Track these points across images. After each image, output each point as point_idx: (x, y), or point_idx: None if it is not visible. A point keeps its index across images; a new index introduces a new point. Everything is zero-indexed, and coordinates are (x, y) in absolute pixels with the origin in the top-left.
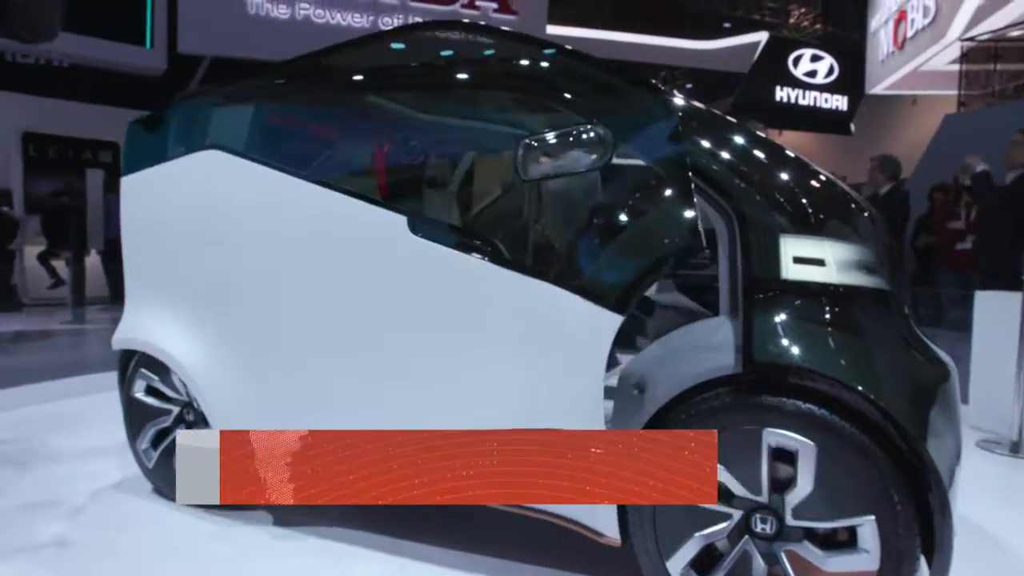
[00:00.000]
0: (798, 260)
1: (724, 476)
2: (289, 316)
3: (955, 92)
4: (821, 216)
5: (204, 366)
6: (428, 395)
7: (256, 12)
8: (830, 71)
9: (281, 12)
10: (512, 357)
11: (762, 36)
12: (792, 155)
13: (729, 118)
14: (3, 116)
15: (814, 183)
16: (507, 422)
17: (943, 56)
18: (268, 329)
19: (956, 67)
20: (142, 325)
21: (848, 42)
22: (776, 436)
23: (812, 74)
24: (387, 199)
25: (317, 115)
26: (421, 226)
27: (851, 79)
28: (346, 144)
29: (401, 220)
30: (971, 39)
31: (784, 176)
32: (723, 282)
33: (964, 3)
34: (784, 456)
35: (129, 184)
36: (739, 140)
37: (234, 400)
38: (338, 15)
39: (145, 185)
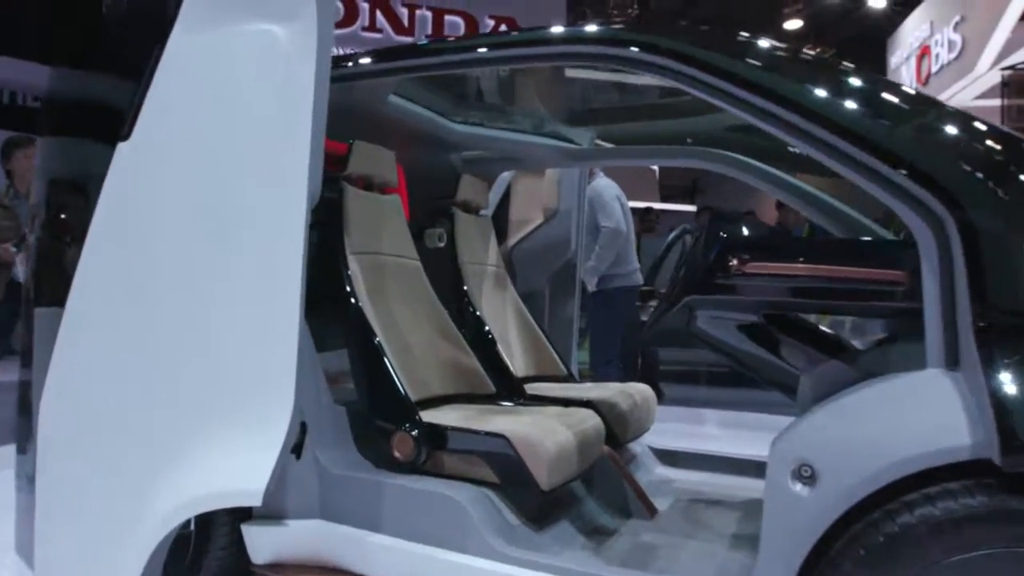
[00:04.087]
0: None
1: None
2: None
3: None
4: None
5: None
6: None
7: None
8: None
9: None
10: None
11: None
12: (1016, 134)
13: (926, 94)
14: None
15: None
16: None
17: (969, 91)
18: None
19: (981, 102)
20: None
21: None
22: None
23: None
24: None
25: None
26: None
27: None
28: None
29: None
30: (1011, 68)
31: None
32: (932, 318)
33: (993, 36)
34: None
35: None
36: (947, 122)
37: None
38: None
39: None
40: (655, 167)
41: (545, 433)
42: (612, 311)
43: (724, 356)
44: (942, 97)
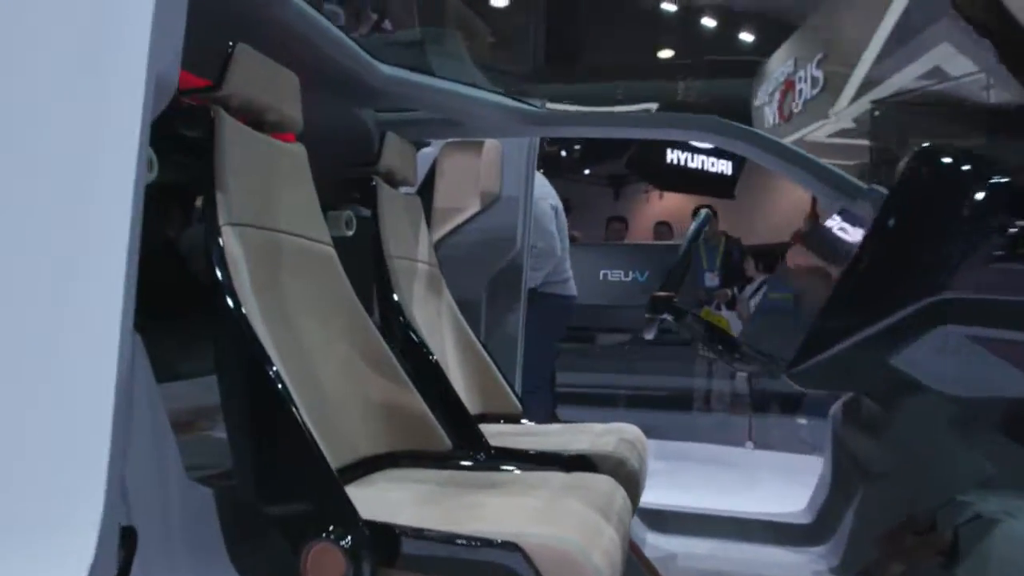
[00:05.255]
0: None
1: None
2: None
3: (824, 161)
4: None
5: None
6: None
7: None
8: None
9: None
10: None
11: (652, 107)
12: None
13: None
14: None
15: None
16: None
17: (826, 128)
18: None
19: (835, 140)
20: None
21: (733, 112)
22: None
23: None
24: None
25: None
26: None
27: None
28: None
29: None
30: (881, 101)
31: None
32: None
33: (854, 74)
34: None
35: None
36: None
37: None
38: None
39: None
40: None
41: (586, 537)
42: (550, 321)
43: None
44: (802, 133)
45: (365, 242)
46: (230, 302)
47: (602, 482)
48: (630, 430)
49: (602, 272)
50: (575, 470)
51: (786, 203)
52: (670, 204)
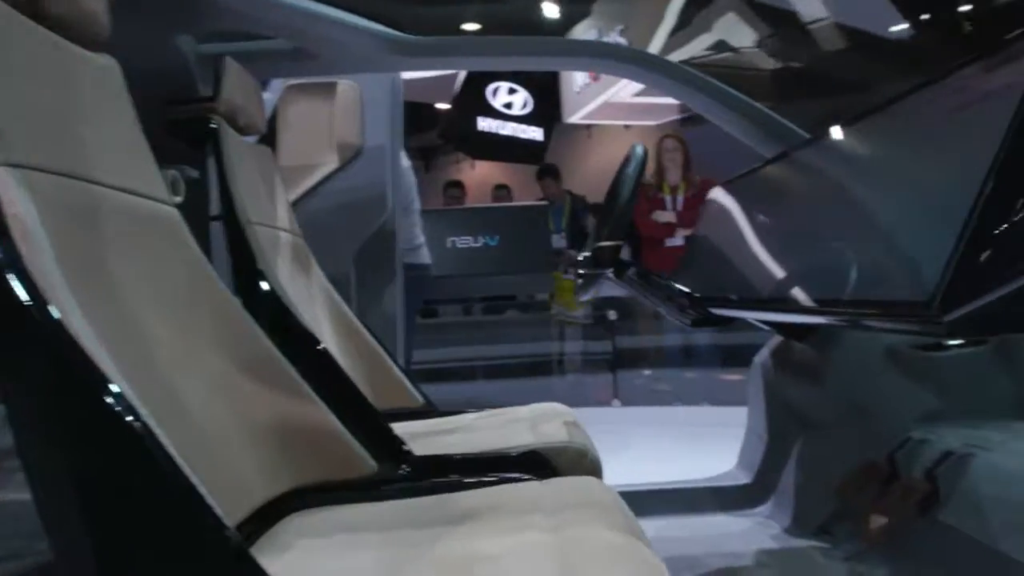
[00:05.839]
0: None
1: None
2: None
3: (630, 122)
4: None
5: None
6: None
7: None
8: (525, 104)
9: None
10: None
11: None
12: None
13: None
14: None
15: None
16: None
17: (629, 88)
18: None
19: (639, 99)
20: None
21: (540, 77)
22: None
23: (509, 106)
24: None
25: None
26: None
27: (545, 111)
28: None
29: None
30: (688, 61)
31: None
32: None
33: (652, 44)
34: None
35: None
36: None
37: None
38: None
39: None
40: None
41: None
42: (406, 293)
43: None
44: (609, 93)
45: (193, 210)
46: (23, 290)
47: (595, 488)
48: (561, 409)
49: (449, 239)
50: (531, 471)
51: (587, 165)
52: (483, 172)
